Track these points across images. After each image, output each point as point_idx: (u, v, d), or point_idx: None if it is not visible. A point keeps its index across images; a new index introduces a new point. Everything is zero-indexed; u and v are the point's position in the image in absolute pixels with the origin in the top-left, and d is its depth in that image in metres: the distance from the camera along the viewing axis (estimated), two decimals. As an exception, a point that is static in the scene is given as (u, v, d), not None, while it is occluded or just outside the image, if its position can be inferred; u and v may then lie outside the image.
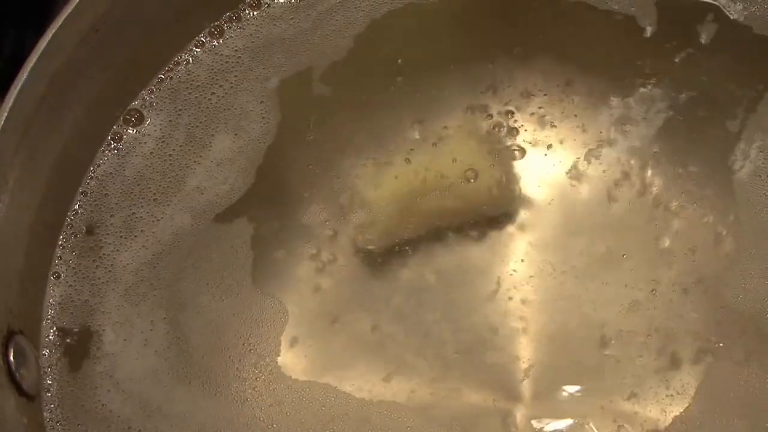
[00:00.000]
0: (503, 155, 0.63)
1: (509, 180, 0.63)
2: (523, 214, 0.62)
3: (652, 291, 0.60)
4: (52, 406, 0.59)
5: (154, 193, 0.63)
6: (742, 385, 0.58)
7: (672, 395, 0.59)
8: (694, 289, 0.60)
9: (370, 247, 0.62)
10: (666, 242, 0.61)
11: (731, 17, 0.64)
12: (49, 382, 0.59)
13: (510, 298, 0.61)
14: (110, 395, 0.59)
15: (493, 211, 0.62)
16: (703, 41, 0.64)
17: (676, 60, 0.64)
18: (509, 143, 0.63)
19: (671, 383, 0.59)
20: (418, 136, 0.63)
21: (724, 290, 0.60)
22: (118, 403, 0.59)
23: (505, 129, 0.64)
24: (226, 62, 0.65)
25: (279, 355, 0.60)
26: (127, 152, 0.63)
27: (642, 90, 0.64)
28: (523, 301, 0.61)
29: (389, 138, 0.64)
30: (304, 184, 0.63)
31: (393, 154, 0.63)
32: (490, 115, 0.64)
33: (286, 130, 0.64)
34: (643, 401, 0.59)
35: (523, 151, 0.63)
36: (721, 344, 0.59)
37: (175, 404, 0.59)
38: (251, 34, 0.65)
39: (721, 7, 0.64)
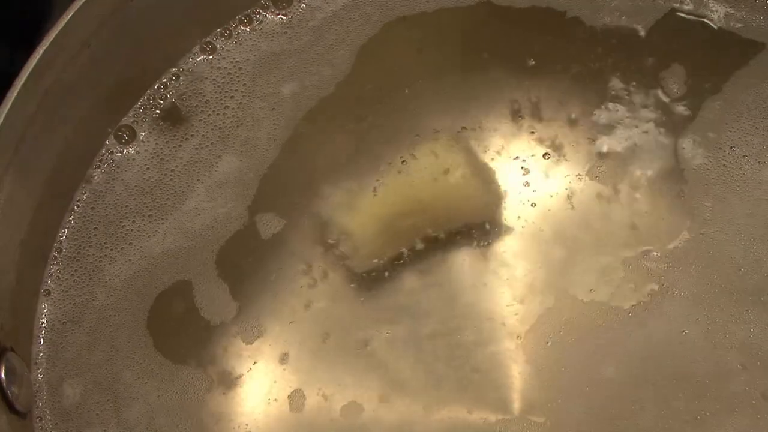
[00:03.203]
0: (488, 170, 0.63)
1: (491, 194, 0.63)
2: (510, 230, 0.62)
3: (647, 302, 0.61)
4: (44, 423, 0.59)
5: (150, 209, 0.62)
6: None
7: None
8: (686, 300, 0.61)
9: (356, 270, 0.62)
10: (656, 251, 0.61)
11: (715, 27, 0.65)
12: (40, 399, 0.59)
13: (502, 314, 0.61)
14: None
15: (478, 226, 0.62)
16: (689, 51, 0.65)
17: (662, 69, 0.65)
18: (494, 158, 0.63)
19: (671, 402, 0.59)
20: (407, 153, 0.63)
21: (713, 302, 0.60)
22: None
23: (490, 143, 0.64)
24: (222, 79, 0.65)
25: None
26: (118, 169, 0.63)
27: (629, 102, 0.64)
28: (515, 317, 0.61)
29: (382, 157, 0.64)
30: (301, 207, 0.63)
31: (383, 173, 0.63)
32: (478, 130, 0.64)
33: (286, 148, 0.64)
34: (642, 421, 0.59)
35: (511, 166, 0.63)
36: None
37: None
38: (247, 50, 0.65)
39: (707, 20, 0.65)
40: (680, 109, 0.64)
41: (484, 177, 0.63)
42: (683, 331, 0.60)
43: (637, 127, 0.64)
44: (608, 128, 0.64)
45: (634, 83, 0.64)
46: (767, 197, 0.62)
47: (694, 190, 0.62)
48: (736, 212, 0.62)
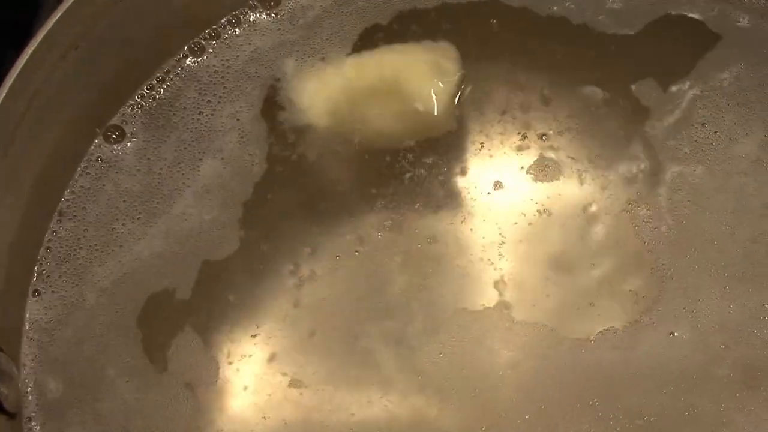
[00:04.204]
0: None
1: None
2: (496, 227, 0.63)
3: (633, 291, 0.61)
4: (33, 423, 0.59)
5: (139, 212, 0.63)
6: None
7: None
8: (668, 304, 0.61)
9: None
10: (631, 233, 0.62)
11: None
12: (30, 399, 0.59)
13: (490, 315, 0.61)
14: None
15: (462, 225, 0.63)
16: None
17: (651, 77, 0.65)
18: (475, 154, 0.64)
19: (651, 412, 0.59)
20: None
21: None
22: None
23: (476, 140, 0.64)
24: (210, 78, 0.65)
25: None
26: (108, 169, 0.63)
27: (608, 91, 0.65)
28: (504, 319, 0.61)
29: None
30: (286, 209, 0.63)
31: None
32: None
33: (274, 150, 0.64)
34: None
35: (496, 162, 0.64)
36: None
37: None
38: (236, 50, 0.66)
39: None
40: (655, 89, 0.64)
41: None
42: (671, 334, 0.60)
43: (618, 118, 0.64)
44: (591, 118, 0.65)
45: (613, 76, 0.65)
46: (737, 171, 0.62)
47: (666, 167, 0.63)
48: (707, 186, 0.62)
